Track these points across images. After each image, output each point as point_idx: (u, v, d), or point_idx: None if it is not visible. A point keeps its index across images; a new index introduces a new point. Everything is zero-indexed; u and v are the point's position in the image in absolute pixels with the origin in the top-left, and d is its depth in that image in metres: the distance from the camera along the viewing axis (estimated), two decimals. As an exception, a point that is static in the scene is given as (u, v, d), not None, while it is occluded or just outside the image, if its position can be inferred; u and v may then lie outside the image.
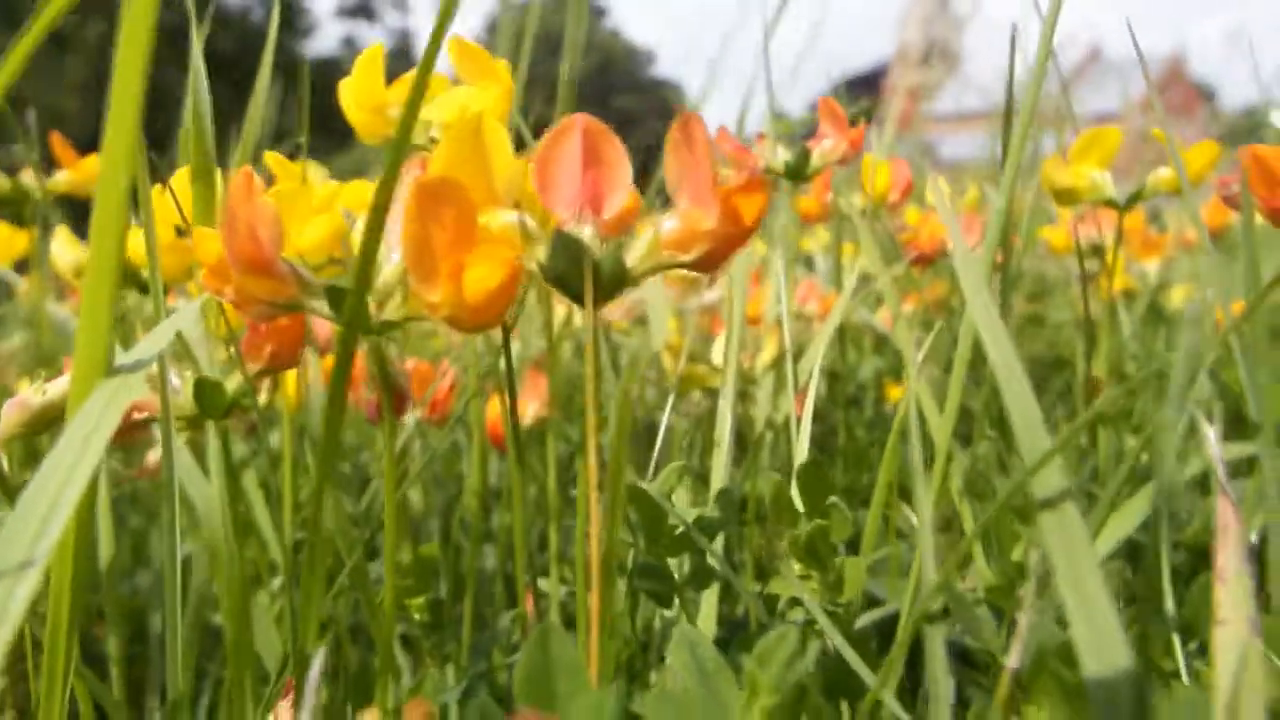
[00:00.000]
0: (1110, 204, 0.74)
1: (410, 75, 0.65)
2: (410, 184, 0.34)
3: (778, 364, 0.80)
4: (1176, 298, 1.45)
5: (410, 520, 0.92)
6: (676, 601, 0.48)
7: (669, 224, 0.38)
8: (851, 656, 0.39)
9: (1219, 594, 0.35)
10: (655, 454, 0.67)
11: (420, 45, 0.61)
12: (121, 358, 0.37)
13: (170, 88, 0.64)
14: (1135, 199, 0.75)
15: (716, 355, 0.84)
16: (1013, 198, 0.68)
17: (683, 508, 0.51)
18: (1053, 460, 0.32)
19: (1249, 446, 0.67)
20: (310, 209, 0.58)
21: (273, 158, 0.64)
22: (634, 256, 0.38)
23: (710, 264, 0.38)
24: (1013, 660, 0.30)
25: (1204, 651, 0.54)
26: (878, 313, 1.35)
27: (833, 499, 0.44)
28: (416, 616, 0.55)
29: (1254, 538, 0.56)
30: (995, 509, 0.43)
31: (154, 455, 0.72)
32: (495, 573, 0.79)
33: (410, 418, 0.73)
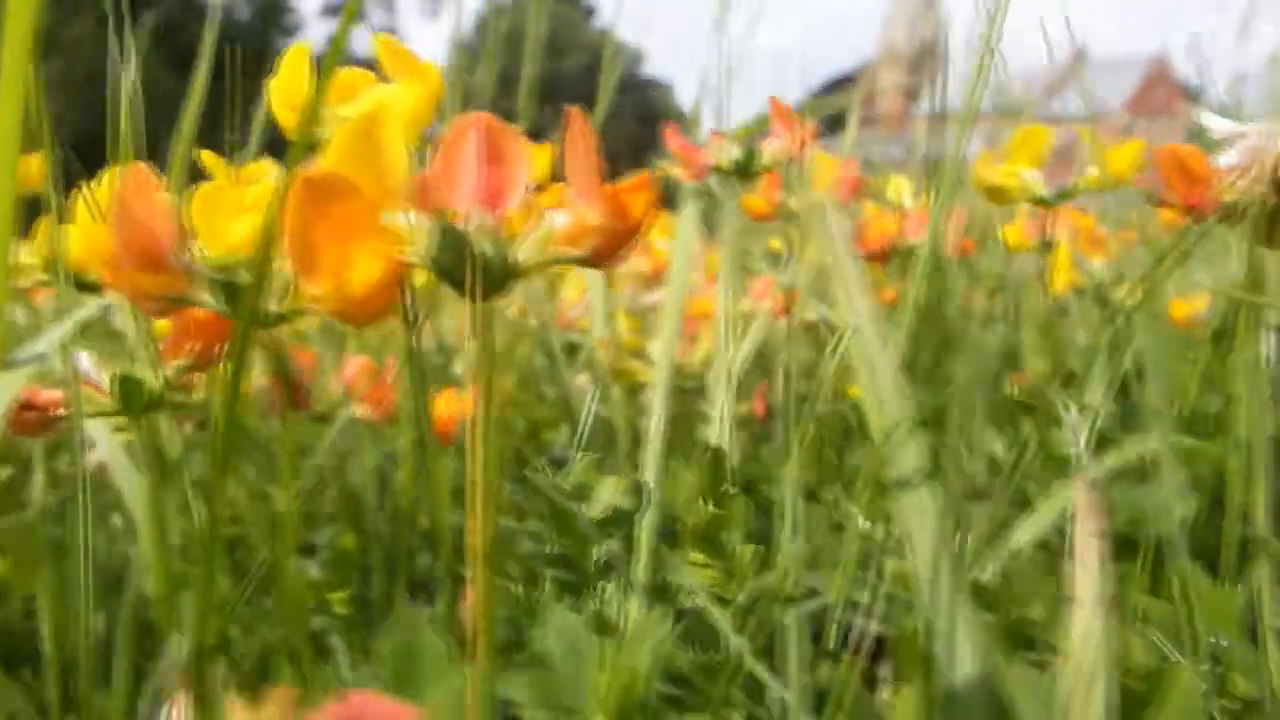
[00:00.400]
0: (1040, 202, 0.76)
1: (341, 75, 0.66)
2: (296, 179, 0.35)
3: (713, 360, 0.81)
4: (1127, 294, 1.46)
5: (360, 516, 0.92)
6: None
7: (559, 219, 0.38)
8: (738, 641, 0.40)
9: (1076, 577, 0.36)
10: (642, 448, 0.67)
11: (408, 45, 0.62)
12: (22, 351, 0.38)
13: (161, 84, 0.64)
14: (1063, 197, 0.76)
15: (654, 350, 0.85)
16: (947, 197, 0.69)
17: (608, 498, 0.52)
18: (908, 442, 0.33)
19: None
20: (239, 207, 0.59)
21: (206, 155, 0.64)
22: (523, 251, 0.38)
23: (601, 259, 0.39)
24: (866, 643, 0.31)
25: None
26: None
27: (728, 488, 0.45)
28: (339, 610, 0.56)
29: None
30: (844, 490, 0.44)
31: (95, 455, 0.73)
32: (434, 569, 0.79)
33: (347, 413, 0.74)
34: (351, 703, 0.24)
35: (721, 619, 0.41)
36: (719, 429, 0.74)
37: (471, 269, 0.37)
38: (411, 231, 0.38)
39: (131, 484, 0.62)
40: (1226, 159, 0.62)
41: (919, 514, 0.31)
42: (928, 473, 0.31)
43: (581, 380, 0.96)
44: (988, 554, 0.58)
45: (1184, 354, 1.11)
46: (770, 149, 0.79)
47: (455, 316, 1.17)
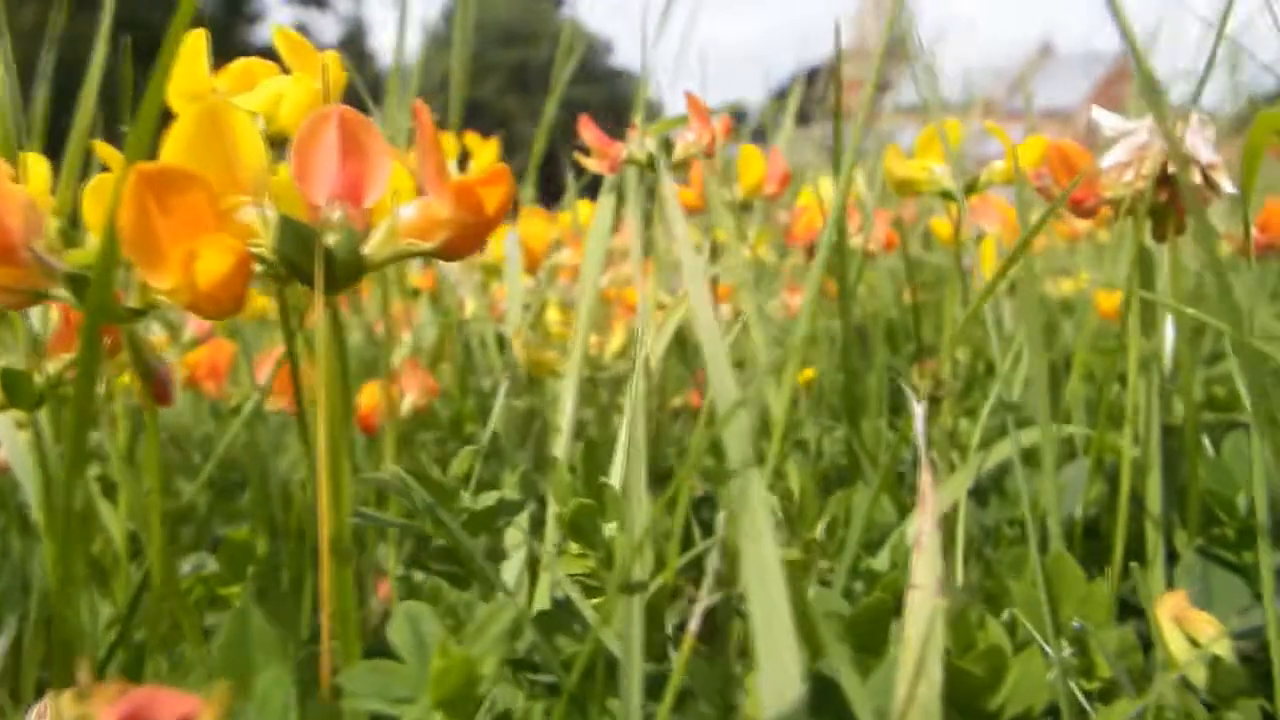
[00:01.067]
0: (947, 195, 0.77)
1: (239, 65, 0.65)
2: (130, 171, 0.35)
3: (627, 351, 0.82)
4: (1066, 287, 1.49)
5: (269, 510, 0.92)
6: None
7: (407, 212, 0.39)
8: (594, 628, 0.40)
9: (914, 560, 0.37)
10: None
11: (373, 34, 0.61)
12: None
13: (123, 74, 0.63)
14: (970, 190, 0.78)
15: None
16: (846, 189, 0.70)
17: (493, 492, 0.52)
18: (740, 427, 0.34)
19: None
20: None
21: (101, 146, 0.64)
22: (371, 244, 0.39)
23: (453, 252, 0.40)
24: (693, 625, 0.32)
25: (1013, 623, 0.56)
26: (771, 303, 1.38)
27: (604, 479, 0.46)
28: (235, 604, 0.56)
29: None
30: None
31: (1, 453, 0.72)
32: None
33: (251, 403, 0.73)
34: (134, 697, 0.24)
35: (584, 606, 0.42)
36: (632, 420, 0.74)
37: (318, 262, 0.37)
38: (259, 224, 0.38)
39: (29, 479, 0.62)
40: (1111, 156, 0.64)
41: (744, 498, 0.32)
42: (750, 459, 0.32)
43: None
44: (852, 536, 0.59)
45: (1101, 344, 1.14)
46: (684, 143, 0.79)
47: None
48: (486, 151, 1.23)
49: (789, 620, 0.31)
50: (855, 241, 0.99)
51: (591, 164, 0.78)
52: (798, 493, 0.58)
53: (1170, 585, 0.61)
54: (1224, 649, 0.39)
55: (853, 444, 0.86)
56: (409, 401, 1.00)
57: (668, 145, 0.78)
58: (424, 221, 0.38)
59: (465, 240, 0.39)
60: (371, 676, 0.33)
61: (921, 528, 0.38)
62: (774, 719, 0.30)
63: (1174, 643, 0.41)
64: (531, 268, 1.05)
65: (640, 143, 0.79)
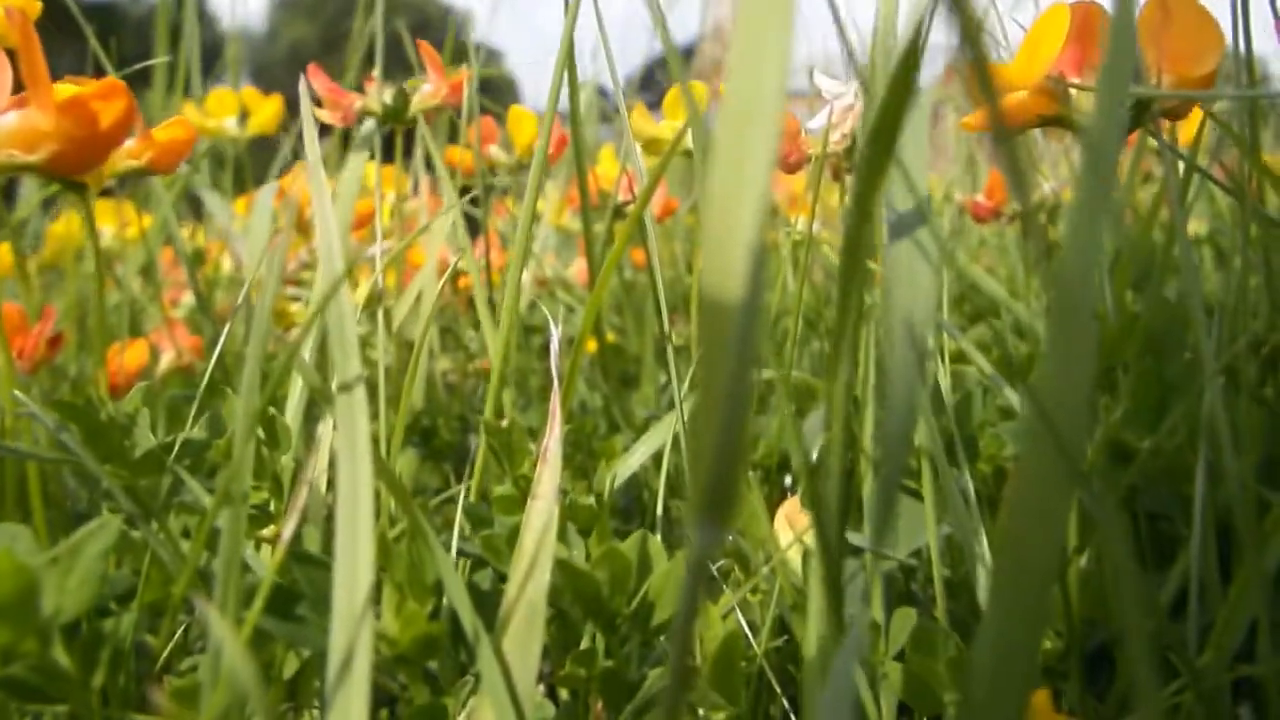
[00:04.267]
0: (688, 154, 0.80)
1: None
2: None
3: (373, 305, 0.81)
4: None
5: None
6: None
7: (5, 120, 0.37)
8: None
9: (538, 471, 0.39)
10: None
11: None
12: None
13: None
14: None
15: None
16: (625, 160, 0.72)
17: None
18: (352, 358, 0.35)
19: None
20: None
21: None
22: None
23: (66, 167, 0.38)
24: (285, 532, 0.32)
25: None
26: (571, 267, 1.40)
27: (275, 412, 0.46)
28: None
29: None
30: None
31: None
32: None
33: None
34: None
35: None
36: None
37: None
38: None
39: None
40: (819, 117, 0.68)
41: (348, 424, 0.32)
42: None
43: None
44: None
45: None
46: (421, 95, 0.79)
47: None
48: (267, 107, 1.18)
49: (369, 515, 0.32)
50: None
51: (324, 115, 0.76)
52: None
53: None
54: (807, 537, 0.43)
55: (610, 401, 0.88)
56: (166, 360, 0.96)
57: (403, 97, 0.78)
58: (25, 132, 0.37)
59: (80, 155, 0.38)
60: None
61: (547, 444, 0.40)
62: (346, 614, 0.31)
63: (783, 537, 0.45)
64: (303, 224, 1.02)
65: (378, 94, 0.78)
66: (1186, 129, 0.84)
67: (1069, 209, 0.25)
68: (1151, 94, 0.44)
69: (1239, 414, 0.46)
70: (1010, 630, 0.25)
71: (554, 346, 0.43)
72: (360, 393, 0.34)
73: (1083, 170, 0.27)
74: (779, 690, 0.46)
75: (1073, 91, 0.50)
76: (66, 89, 0.38)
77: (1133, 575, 0.33)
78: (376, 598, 0.38)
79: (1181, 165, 0.59)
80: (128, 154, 0.56)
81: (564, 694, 0.51)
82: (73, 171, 0.38)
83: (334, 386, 0.34)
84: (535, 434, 0.72)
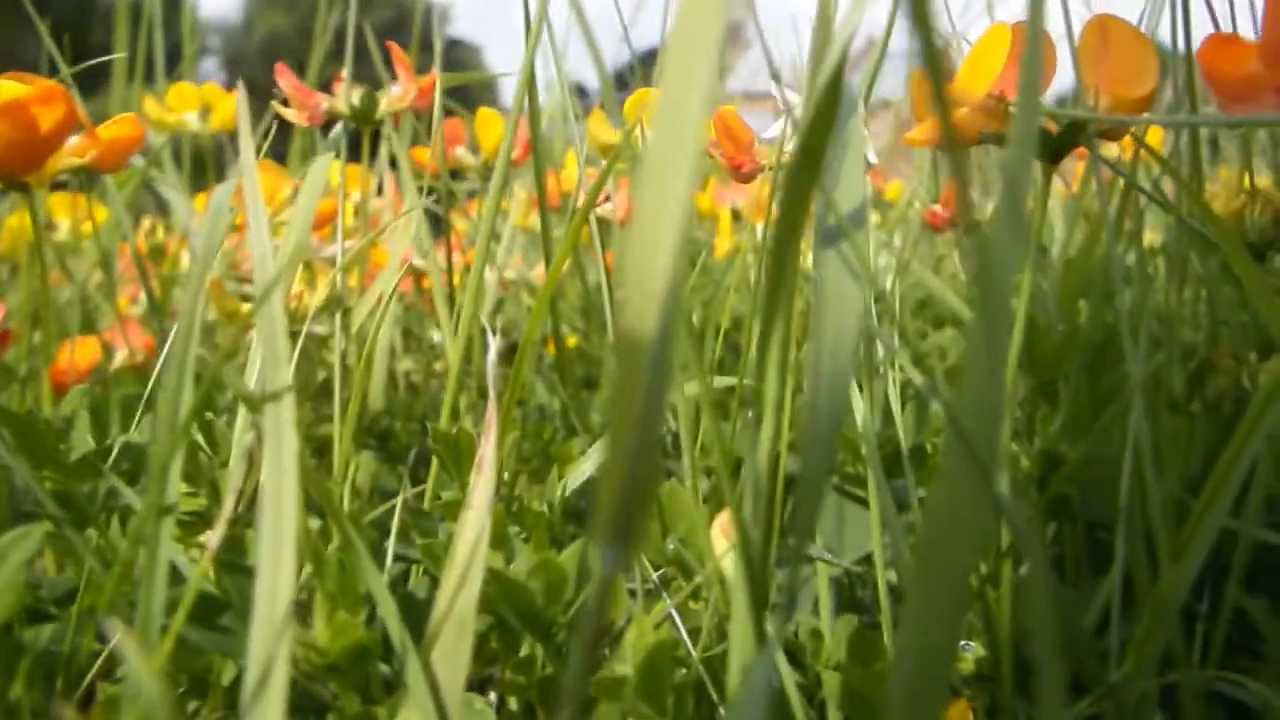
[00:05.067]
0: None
1: None
2: None
3: (330, 307, 0.81)
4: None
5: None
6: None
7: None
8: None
9: (473, 483, 0.39)
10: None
11: None
12: None
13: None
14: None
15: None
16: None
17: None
18: (281, 362, 0.35)
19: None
20: None
21: None
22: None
23: (5, 170, 0.38)
24: (212, 541, 0.32)
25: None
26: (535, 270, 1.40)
27: (210, 417, 0.46)
28: None
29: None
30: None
31: None
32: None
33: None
34: None
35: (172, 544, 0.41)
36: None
37: None
38: None
39: None
40: (772, 129, 0.69)
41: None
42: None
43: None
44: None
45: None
46: (389, 98, 0.78)
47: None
48: (229, 103, 1.17)
49: (293, 527, 0.32)
50: (604, 211, 1.02)
51: (290, 114, 0.76)
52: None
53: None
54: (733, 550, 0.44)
55: (566, 404, 0.89)
56: (120, 357, 0.95)
57: (371, 100, 0.78)
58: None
59: (15, 160, 0.38)
60: None
61: (483, 454, 0.40)
62: (266, 624, 0.31)
63: (717, 546, 0.45)
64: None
65: (346, 95, 0.78)
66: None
67: (991, 227, 0.25)
68: (1071, 115, 0.45)
69: (1162, 427, 0.47)
70: (924, 642, 0.25)
71: (491, 356, 0.43)
72: (289, 402, 0.34)
73: (1002, 191, 0.28)
74: (716, 698, 0.46)
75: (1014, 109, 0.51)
76: (6, 90, 0.38)
77: (1045, 586, 0.34)
78: (309, 607, 0.38)
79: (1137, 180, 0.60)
80: (72, 152, 0.56)
81: (512, 702, 0.51)
82: (12, 174, 0.38)
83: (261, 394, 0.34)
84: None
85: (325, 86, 0.82)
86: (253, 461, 0.44)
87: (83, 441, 0.49)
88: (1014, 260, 0.26)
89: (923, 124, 0.49)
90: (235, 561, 0.36)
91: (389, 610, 0.35)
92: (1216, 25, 0.61)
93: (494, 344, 0.44)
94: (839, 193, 0.34)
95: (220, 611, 0.34)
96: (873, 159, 0.70)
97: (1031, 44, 0.28)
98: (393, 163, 1.20)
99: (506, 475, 0.65)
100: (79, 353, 0.91)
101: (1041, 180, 0.47)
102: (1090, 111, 0.47)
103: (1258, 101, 0.36)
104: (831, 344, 0.29)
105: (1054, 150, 0.46)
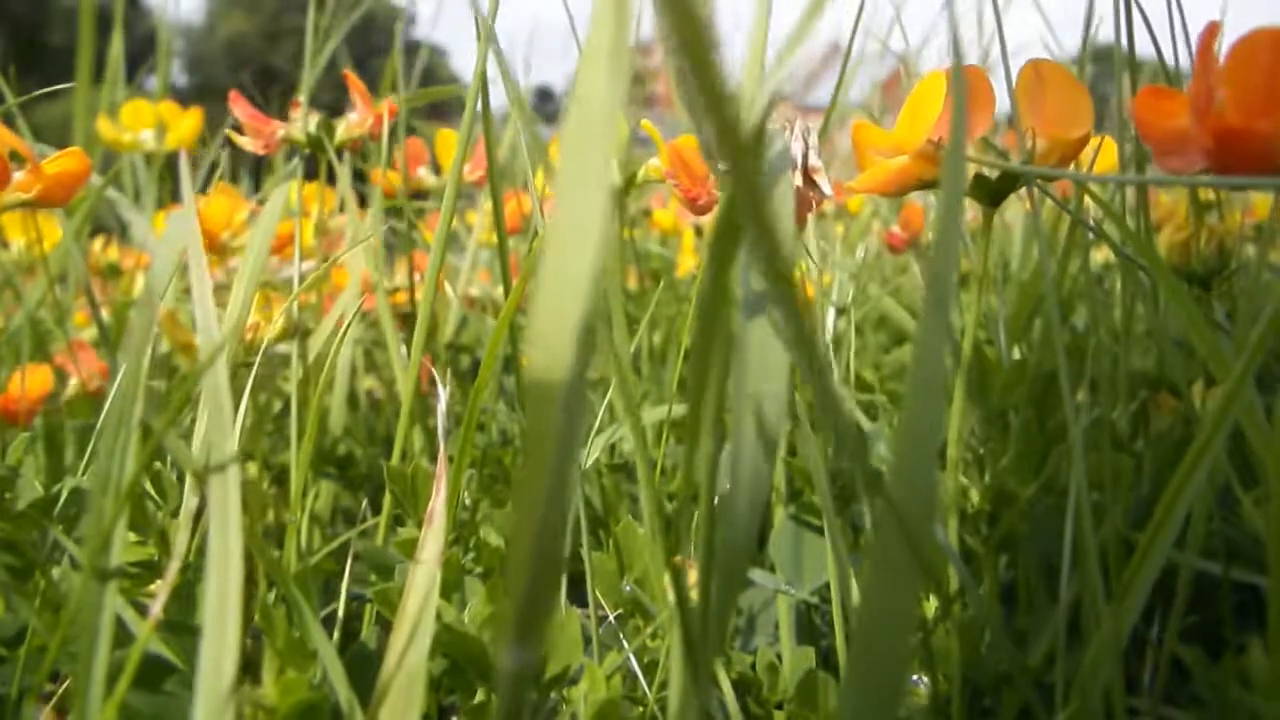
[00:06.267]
0: (625, 190, 0.80)
1: None
2: None
3: (289, 333, 0.80)
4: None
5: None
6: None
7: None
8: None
9: (423, 536, 0.39)
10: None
11: None
12: None
13: None
14: (629, 185, 0.82)
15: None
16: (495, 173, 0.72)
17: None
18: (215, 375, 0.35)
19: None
20: None
21: None
22: None
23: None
24: (155, 607, 0.32)
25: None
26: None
27: (160, 466, 0.45)
28: None
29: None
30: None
31: None
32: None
33: None
34: None
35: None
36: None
37: None
38: None
39: None
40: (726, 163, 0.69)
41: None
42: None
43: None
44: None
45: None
46: (347, 124, 0.78)
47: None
48: (186, 121, 1.15)
49: (237, 586, 0.32)
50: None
51: (245, 143, 0.75)
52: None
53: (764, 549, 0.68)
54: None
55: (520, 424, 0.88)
56: (73, 385, 0.93)
57: (329, 126, 0.77)
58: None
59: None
60: None
61: (433, 506, 0.40)
62: (210, 674, 0.30)
63: (674, 589, 0.46)
64: (211, 247, 1.00)
65: (303, 123, 0.77)
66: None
67: (926, 267, 0.26)
68: (1005, 166, 0.45)
69: (1103, 463, 0.48)
70: (870, 682, 0.25)
71: (441, 409, 0.43)
72: (233, 470, 0.34)
73: (935, 234, 0.28)
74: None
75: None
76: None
77: (992, 623, 0.34)
78: (256, 665, 0.38)
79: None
80: (17, 187, 0.55)
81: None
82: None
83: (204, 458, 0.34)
84: (454, 462, 0.72)
85: (294, 88, 0.81)
86: (200, 513, 0.44)
87: (30, 489, 0.48)
88: (950, 297, 0.27)
89: (863, 174, 0.50)
90: (181, 622, 0.35)
91: (336, 674, 0.35)
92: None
93: (444, 396, 0.44)
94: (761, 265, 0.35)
95: (164, 677, 0.34)
96: (827, 190, 0.71)
97: (958, 98, 0.28)
98: (357, 174, 1.20)
99: (468, 501, 0.65)
100: (30, 381, 0.89)
101: (982, 222, 0.48)
102: (1026, 150, 0.48)
103: (1186, 157, 0.37)
104: (751, 421, 0.29)
105: (993, 195, 0.47)
